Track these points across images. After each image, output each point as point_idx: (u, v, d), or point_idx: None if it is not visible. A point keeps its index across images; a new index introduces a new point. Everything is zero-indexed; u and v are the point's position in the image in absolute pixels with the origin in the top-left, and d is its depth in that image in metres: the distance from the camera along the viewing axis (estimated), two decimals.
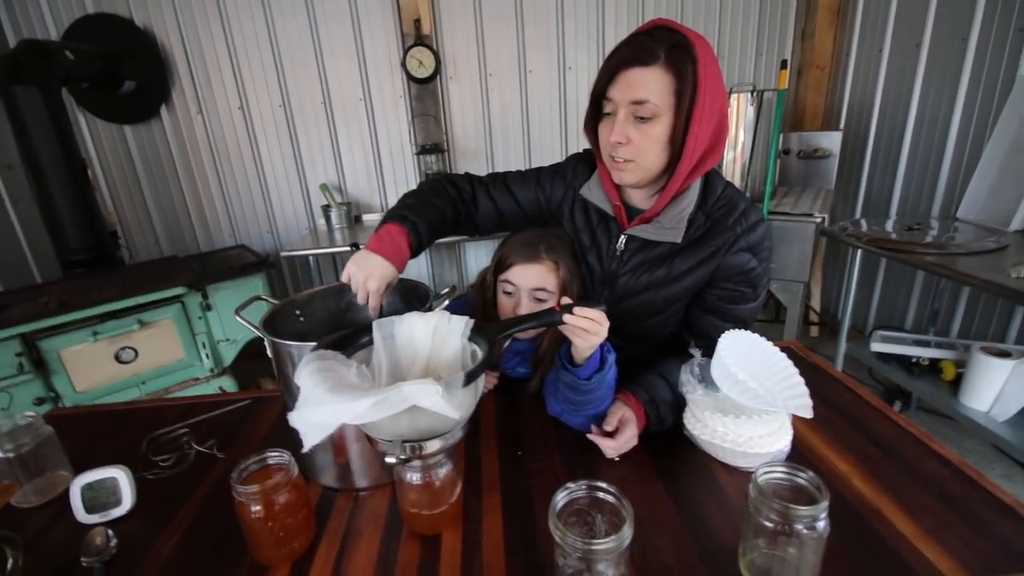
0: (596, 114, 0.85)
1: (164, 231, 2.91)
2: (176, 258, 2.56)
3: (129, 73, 2.50)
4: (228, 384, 2.22)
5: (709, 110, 0.76)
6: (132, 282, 2.06)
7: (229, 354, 2.24)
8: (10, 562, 0.63)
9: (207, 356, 2.16)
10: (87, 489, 0.75)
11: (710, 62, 0.76)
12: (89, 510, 0.75)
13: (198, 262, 2.41)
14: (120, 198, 2.82)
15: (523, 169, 1.04)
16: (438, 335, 0.67)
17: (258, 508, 0.62)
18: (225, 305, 2.17)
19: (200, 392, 2.13)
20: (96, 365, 1.93)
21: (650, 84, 0.75)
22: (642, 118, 0.78)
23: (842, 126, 2.83)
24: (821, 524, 0.52)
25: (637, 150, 0.80)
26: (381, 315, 0.77)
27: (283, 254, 2.48)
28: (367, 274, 0.78)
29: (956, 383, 1.84)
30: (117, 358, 1.95)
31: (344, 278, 0.80)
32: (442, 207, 0.95)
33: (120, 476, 0.76)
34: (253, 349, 2.24)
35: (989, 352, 1.68)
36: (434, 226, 0.92)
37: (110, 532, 0.71)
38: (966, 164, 2.22)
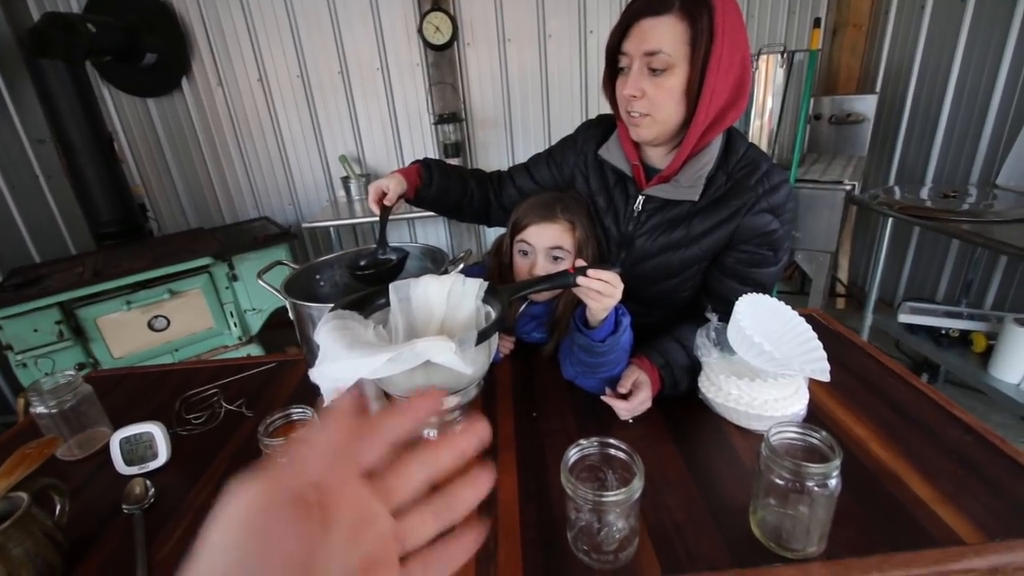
0: (613, 71, 0.83)
1: (190, 203, 2.97)
2: (202, 230, 2.62)
3: (150, 45, 2.51)
4: (255, 352, 2.30)
5: (728, 61, 0.74)
6: (161, 253, 2.12)
7: (256, 323, 2.30)
8: (58, 507, 0.68)
9: (235, 325, 2.23)
10: (125, 443, 0.79)
11: (730, 11, 0.73)
12: (128, 462, 0.79)
13: (223, 234, 2.46)
14: (147, 171, 2.88)
15: (540, 151, 1.09)
16: (453, 297, 0.68)
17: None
18: (250, 275, 2.22)
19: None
20: (131, 333, 2.01)
21: (663, 34, 0.74)
22: (655, 70, 0.76)
23: (878, 89, 2.69)
24: (833, 482, 0.52)
25: (652, 103, 0.79)
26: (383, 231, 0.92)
27: (304, 225, 2.52)
28: (370, 191, 0.94)
29: (987, 355, 1.80)
30: (150, 326, 2.03)
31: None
32: (462, 171, 1.04)
33: (155, 431, 0.80)
34: (278, 319, 2.31)
35: (1022, 323, 1.62)
36: (447, 174, 1.02)
37: (148, 482, 0.75)
38: (1009, 128, 2.11)
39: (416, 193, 1.00)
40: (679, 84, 0.77)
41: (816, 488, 0.52)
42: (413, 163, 1.02)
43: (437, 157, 2.85)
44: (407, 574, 0.24)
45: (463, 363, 0.52)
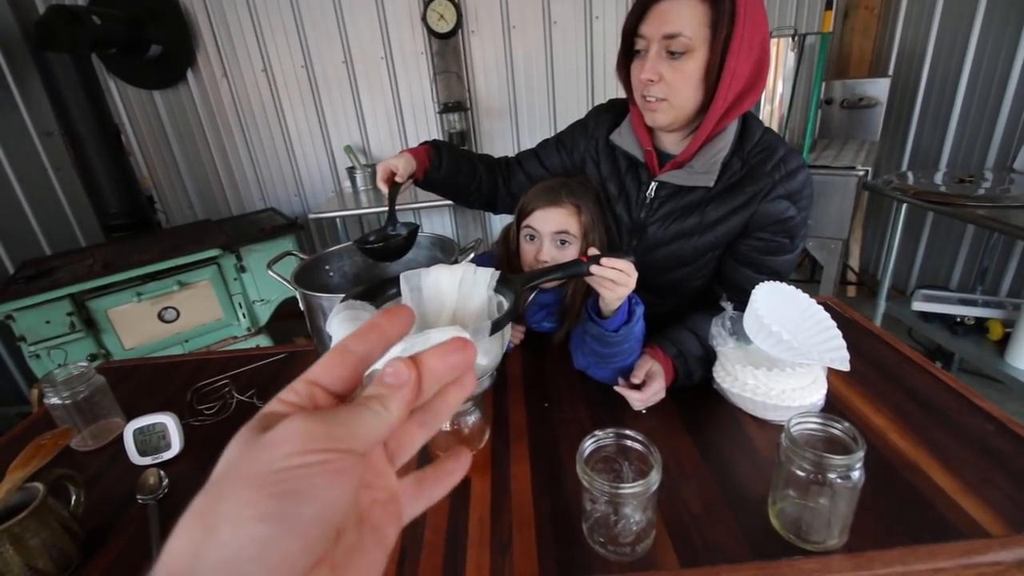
0: (628, 54, 0.81)
1: (197, 195, 2.98)
2: (210, 221, 2.62)
3: (154, 37, 2.50)
4: (264, 342, 2.31)
5: (748, 43, 0.72)
6: (170, 245, 2.13)
7: (264, 314, 2.31)
8: (73, 497, 0.68)
9: (244, 316, 2.23)
10: (138, 433, 0.80)
11: None
12: (141, 453, 0.79)
13: (230, 225, 2.46)
14: (154, 163, 2.88)
15: (549, 137, 1.07)
16: (464, 286, 0.67)
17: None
18: (258, 267, 2.22)
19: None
20: (142, 324, 2.02)
21: (683, 16, 0.72)
22: (674, 53, 0.74)
23: (891, 72, 2.63)
24: (856, 474, 0.51)
25: (670, 88, 0.76)
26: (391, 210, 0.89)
27: (311, 216, 2.51)
28: (380, 170, 0.92)
29: (1003, 343, 1.77)
30: (160, 317, 2.04)
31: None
32: (471, 155, 1.03)
33: (168, 421, 0.80)
34: (286, 310, 2.31)
35: None
36: (456, 157, 1.00)
37: (162, 473, 0.76)
38: None
39: (425, 175, 0.98)
40: (698, 68, 0.74)
41: (838, 480, 0.51)
42: (422, 144, 1.00)
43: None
44: (401, 485, 0.25)
45: (477, 353, 0.51)
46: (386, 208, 0.91)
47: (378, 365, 0.52)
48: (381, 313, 0.23)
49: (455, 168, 1.00)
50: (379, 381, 0.22)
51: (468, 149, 1.08)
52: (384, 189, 0.92)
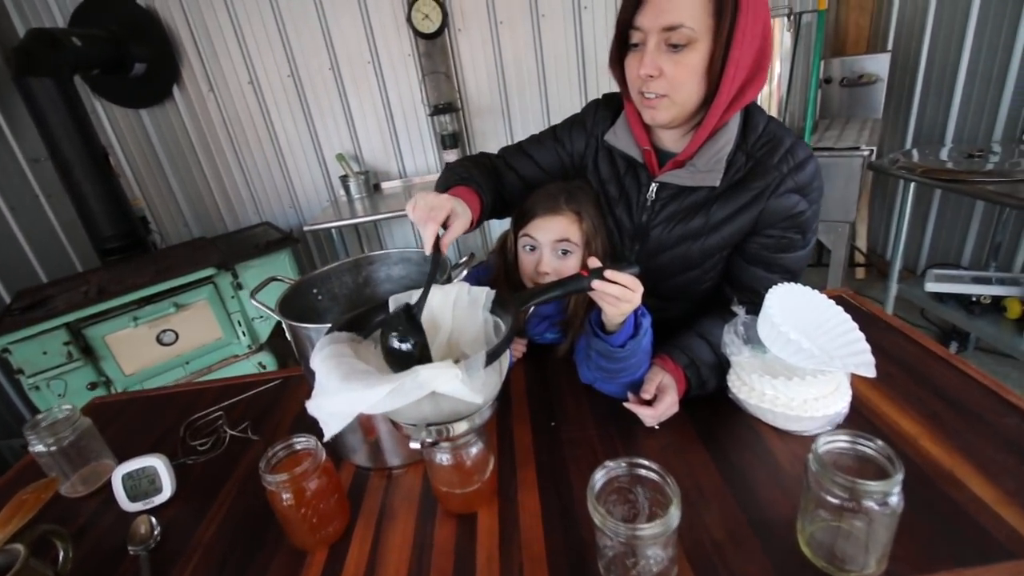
0: (622, 47, 0.76)
1: (191, 213, 2.94)
2: (204, 239, 2.58)
3: (137, 55, 2.47)
4: (267, 359, 2.27)
5: (752, 31, 0.67)
6: (164, 266, 2.09)
7: (264, 331, 2.28)
8: (61, 554, 0.65)
9: (244, 334, 2.20)
10: (127, 478, 0.76)
11: None
12: (132, 498, 0.76)
13: (224, 242, 2.43)
14: (146, 183, 2.85)
15: (537, 133, 0.98)
16: (459, 308, 0.63)
17: (288, 496, 0.61)
18: (254, 283, 2.18)
19: (241, 368, 2.19)
20: (140, 349, 1.99)
21: (683, 5, 0.66)
22: (676, 45, 0.68)
23: (890, 47, 2.56)
24: (894, 499, 0.46)
25: (671, 83, 0.71)
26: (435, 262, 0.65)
27: (306, 228, 2.47)
28: (434, 204, 0.68)
29: (1022, 322, 1.72)
30: (159, 341, 2.01)
31: (409, 209, 0.69)
32: (483, 172, 0.90)
33: (158, 464, 0.77)
34: None
35: None
36: (490, 189, 0.87)
37: (153, 520, 0.72)
38: None
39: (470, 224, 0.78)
40: (701, 61, 0.69)
41: (876, 507, 0.46)
42: (457, 184, 0.83)
43: (435, 145, 2.78)
44: None
45: (471, 391, 0.47)
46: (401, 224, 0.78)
47: (364, 409, 0.48)
48: None
49: (492, 197, 0.87)
50: None
51: (467, 161, 0.96)
52: (427, 233, 0.65)
